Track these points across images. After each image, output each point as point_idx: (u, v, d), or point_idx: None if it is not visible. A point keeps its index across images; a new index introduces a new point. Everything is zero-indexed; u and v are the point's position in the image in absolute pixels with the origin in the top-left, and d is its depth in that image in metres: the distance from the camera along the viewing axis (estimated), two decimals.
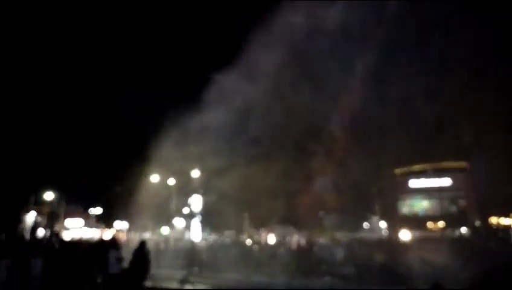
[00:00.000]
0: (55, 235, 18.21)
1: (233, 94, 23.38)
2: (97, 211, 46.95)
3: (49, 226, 23.51)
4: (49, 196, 42.45)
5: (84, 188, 40.00)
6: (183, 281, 17.57)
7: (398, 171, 42.84)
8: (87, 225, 48.64)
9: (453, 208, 44.02)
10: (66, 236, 27.00)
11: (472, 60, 21.68)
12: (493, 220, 33.79)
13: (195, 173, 34.74)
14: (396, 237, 33.88)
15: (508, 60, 21.22)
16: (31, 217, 37.19)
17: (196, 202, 37.66)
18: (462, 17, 21.08)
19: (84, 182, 39.32)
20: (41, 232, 23.12)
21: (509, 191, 26.91)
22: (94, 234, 44.60)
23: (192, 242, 32.08)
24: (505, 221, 35.13)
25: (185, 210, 37.79)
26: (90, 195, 39.11)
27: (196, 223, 38.17)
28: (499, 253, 17.11)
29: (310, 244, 27.92)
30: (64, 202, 45.17)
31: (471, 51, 21.53)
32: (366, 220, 41.16)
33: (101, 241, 14.35)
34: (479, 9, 20.78)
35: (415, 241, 28.64)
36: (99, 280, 11.34)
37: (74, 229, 45.50)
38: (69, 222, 48.75)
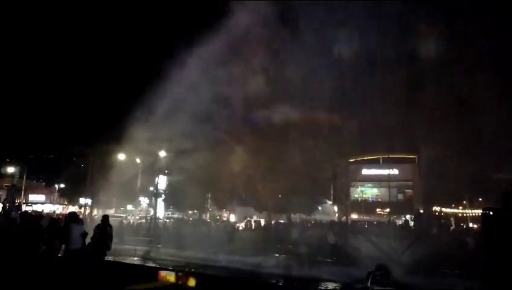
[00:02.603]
0: (15, 209, 17.40)
1: (201, 78, 22.97)
2: (60, 186, 45.35)
3: (9, 199, 22.39)
4: (10, 169, 40.61)
5: (47, 163, 38.41)
6: (145, 257, 17.38)
7: (351, 159, 43.97)
8: (50, 200, 47.00)
9: (400, 196, 46.00)
10: (28, 210, 25.87)
11: (426, 54, 22.29)
12: (436, 209, 35.48)
13: (162, 153, 34.18)
14: (347, 221, 35.01)
15: (460, 57, 21.92)
16: None
17: (161, 181, 37.14)
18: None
19: (47, 157, 37.77)
20: (0, 206, 22.04)
21: (452, 183, 28.17)
22: (56, 209, 43.19)
23: (155, 220, 31.73)
24: (446, 210, 37.06)
25: (150, 189, 37.21)
26: (53, 170, 37.61)
27: (160, 201, 37.73)
28: (440, 239, 18.02)
29: (268, 224, 28.40)
30: (26, 176, 43.33)
31: (427, 46, 22.12)
32: (320, 203, 42.15)
33: (63, 216, 13.86)
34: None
35: (363, 225, 29.69)
36: (61, 255, 10.98)
37: (36, 204, 43.84)
38: (30, 196, 46.90)
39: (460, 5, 21.25)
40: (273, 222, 30.28)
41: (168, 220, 34.38)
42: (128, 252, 17.68)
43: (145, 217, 36.44)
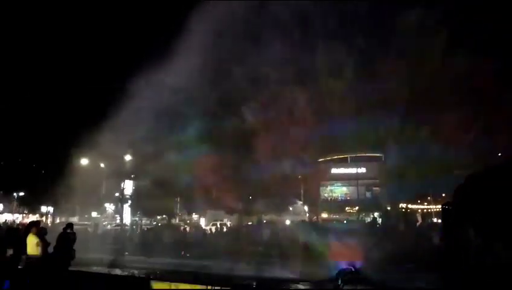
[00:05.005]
0: None
1: (166, 81, 22.70)
2: (19, 194, 43.31)
3: None
4: None
5: (4, 170, 36.55)
6: (112, 265, 16.89)
7: (320, 159, 44.61)
8: (8, 209, 44.90)
9: (368, 194, 47.10)
10: None
11: (391, 56, 22.98)
12: (403, 205, 36.52)
13: (127, 158, 33.44)
14: (318, 220, 35.51)
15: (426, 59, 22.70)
16: None
17: (127, 186, 36.33)
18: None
19: (4, 164, 36.01)
20: None
21: (417, 180, 29.09)
22: (16, 218, 41.35)
23: (122, 226, 31.01)
24: (412, 207, 38.25)
25: (116, 194, 36.30)
26: (11, 178, 35.79)
27: (127, 207, 36.89)
28: (407, 235, 18.52)
29: (239, 226, 28.34)
30: None
31: (390, 47, 22.81)
32: (291, 204, 42.49)
33: (22, 226, 13.28)
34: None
35: (334, 224, 30.15)
36: (20, 266, 10.50)
37: None
38: None
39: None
40: (248, 223, 30.27)
41: (135, 225, 33.67)
42: (94, 261, 17.14)
43: (111, 224, 35.53)
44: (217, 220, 35.51)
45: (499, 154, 21.20)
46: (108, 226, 34.21)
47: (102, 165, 34.72)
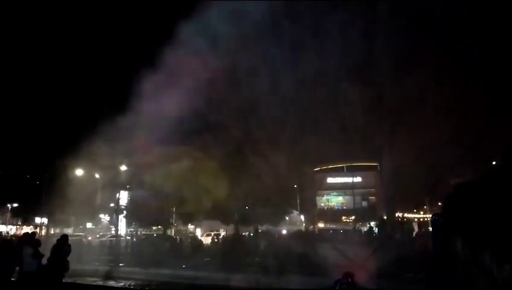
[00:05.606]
0: None
1: (164, 90, 22.68)
2: (13, 206, 42.89)
3: None
4: None
5: None
6: (107, 277, 16.74)
7: (316, 168, 44.69)
8: (1, 221, 44.52)
9: (365, 203, 47.14)
10: None
11: (386, 66, 23.07)
12: (399, 215, 36.56)
13: (123, 168, 33.26)
14: (314, 229, 35.46)
15: (419, 70, 22.82)
16: None
17: (123, 196, 36.10)
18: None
19: None
20: None
21: (413, 189, 29.14)
22: (10, 230, 40.96)
23: (117, 237, 30.75)
24: (409, 216, 38.30)
25: (111, 205, 36.04)
26: (5, 189, 35.47)
27: (122, 218, 36.61)
28: (403, 244, 18.53)
29: (236, 236, 28.22)
30: None
31: (387, 55, 22.88)
32: (287, 214, 42.40)
33: (15, 238, 13.17)
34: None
35: (330, 233, 30.11)
36: (14, 279, 10.40)
37: None
38: None
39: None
40: (244, 233, 30.19)
41: (131, 236, 33.46)
42: (89, 272, 16.99)
43: (106, 235, 35.25)
44: (212, 231, 35.33)
45: (493, 162, 21.29)
46: (97, 237, 33.94)
47: (97, 175, 34.53)
